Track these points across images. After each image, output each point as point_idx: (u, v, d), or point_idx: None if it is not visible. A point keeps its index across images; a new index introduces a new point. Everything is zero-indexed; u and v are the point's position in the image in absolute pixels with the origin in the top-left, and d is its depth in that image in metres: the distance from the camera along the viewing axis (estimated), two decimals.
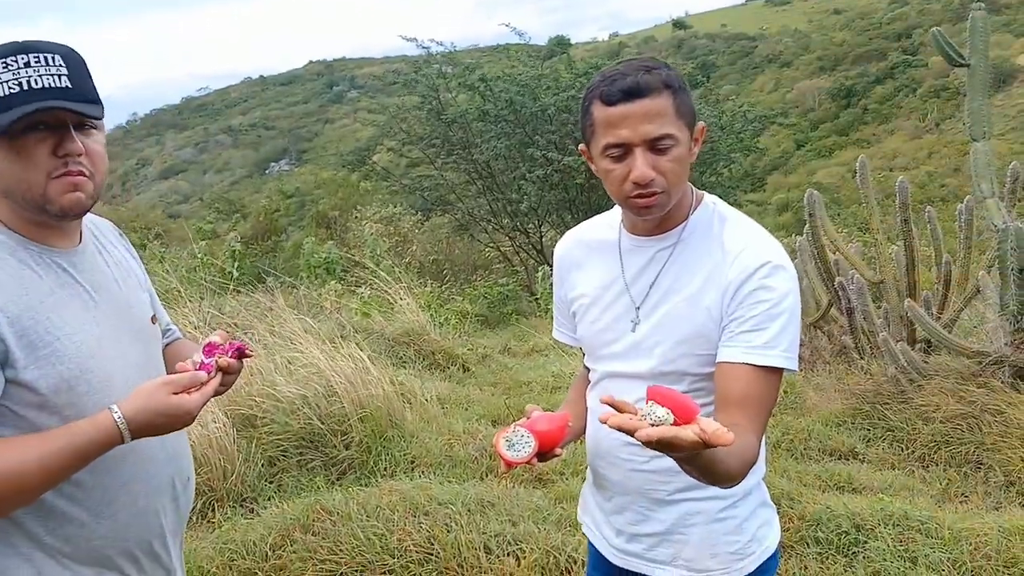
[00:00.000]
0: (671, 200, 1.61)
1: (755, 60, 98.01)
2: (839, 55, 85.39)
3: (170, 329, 2.03)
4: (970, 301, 6.62)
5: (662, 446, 1.19)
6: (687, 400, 1.24)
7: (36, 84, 1.47)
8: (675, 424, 1.20)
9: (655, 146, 1.55)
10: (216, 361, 1.61)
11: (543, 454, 1.62)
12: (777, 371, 1.58)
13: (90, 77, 1.55)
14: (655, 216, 1.64)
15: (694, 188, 1.73)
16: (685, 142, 1.58)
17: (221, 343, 1.65)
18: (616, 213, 1.80)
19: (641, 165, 1.55)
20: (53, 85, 1.48)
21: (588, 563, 2.00)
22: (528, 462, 1.58)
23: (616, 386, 1.74)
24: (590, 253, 1.83)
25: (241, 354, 1.66)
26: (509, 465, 1.58)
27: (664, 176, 1.56)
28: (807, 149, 67.42)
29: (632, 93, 1.54)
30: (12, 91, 1.46)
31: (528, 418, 1.65)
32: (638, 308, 1.70)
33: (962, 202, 6.56)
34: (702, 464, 1.34)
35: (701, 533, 1.72)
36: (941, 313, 6.44)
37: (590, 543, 1.96)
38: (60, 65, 1.50)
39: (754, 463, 1.52)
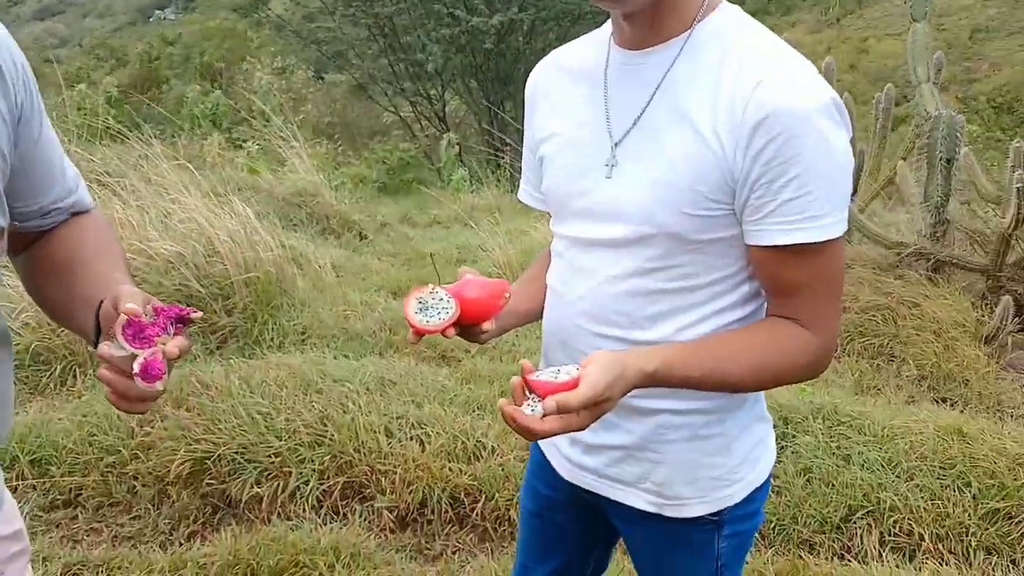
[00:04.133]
0: None
1: None
2: None
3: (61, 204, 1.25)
4: (883, 190, 6.49)
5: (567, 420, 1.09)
6: (565, 384, 1.10)
7: None
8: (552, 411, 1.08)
9: None
10: (161, 349, 1.00)
11: (468, 326, 1.26)
12: (834, 239, 1.18)
13: None
14: (612, 5, 1.19)
15: None
16: None
17: (145, 317, 1.02)
18: (607, 27, 1.33)
19: None
20: None
21: (528, 469, 1.62)
22: (442, 331, 1.22)
23: (585, 258, 1.32)
24: (570, 80, 1.37)
25: (183, 321, 1.06)
26: (417, 333, 1.22)
27: None
28: None
29: None
30: None
31: (458, 280, 1.27)
32: (616, 145, 1.26)
33: (882, 92, 6.34)
34: (683, 387, 1.22)
35: (679, 451, 1.34)
36: (851, 202, 6.28)
37: (534, 447, 1.58)
38: None
39: (811, 356, 1.24)
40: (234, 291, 4.28)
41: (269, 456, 2.94)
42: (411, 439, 3.05)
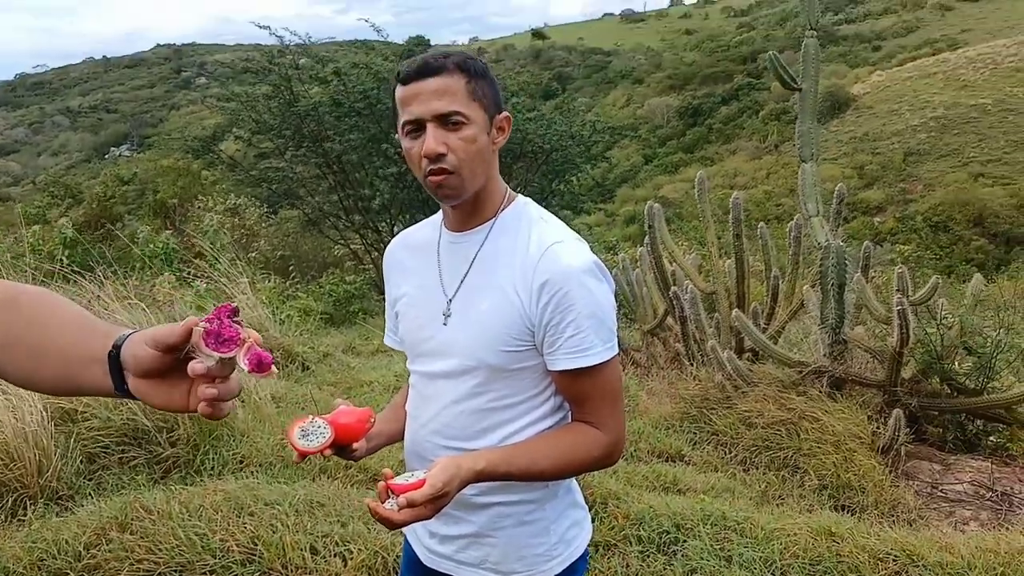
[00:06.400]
0: (465, 182, 1.62)
1: (609, 75, 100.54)
2: (688, 75, 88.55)
3: None
4: (796, 314, 6.99)
5: (416, 511, 1.47)
6: (413, 484, 1.48)
7: None
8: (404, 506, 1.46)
9: (446, 122, 1.59)
10: (253, 342, 1.07)
11: (342, 448, 1.67)
12: (606, 361, 1.63)
13: None
14: (452, 198, 1.65)
15: (510, 189, 1.76)
16: (479, 124, 1.62)
17: (211, 326, 1.06)
18: (440, 214, 1.81)
19: (429, 139, 1.59)
20: None
21: (402, 563, 1.99)
22: (320, 452, 1.61)
23: (431, 388, 1.75)
24: (413, 253, 1.85)
25: (234, 313, 1.10)
26: (301, 454, 1.61)
27: (454, 153, 1.59)
28: (655, 164, 69.51)
29: (423, 71, 1.60)
30: None
31: (333, 410, 1.68)
32: (450, 301, 1.71)
33: (792, 220, 6.93)
34: (506, 480, 1.61)
35: (509, 535, 1.73)
36: (768, 324, 6.76)
37: (406, 541, 1.95)
38: None
39: (603, 449, 1.66)
40: (178, 424, 4.57)
41: (204, 573, 3.21)
42: (335, 556, 3.33)
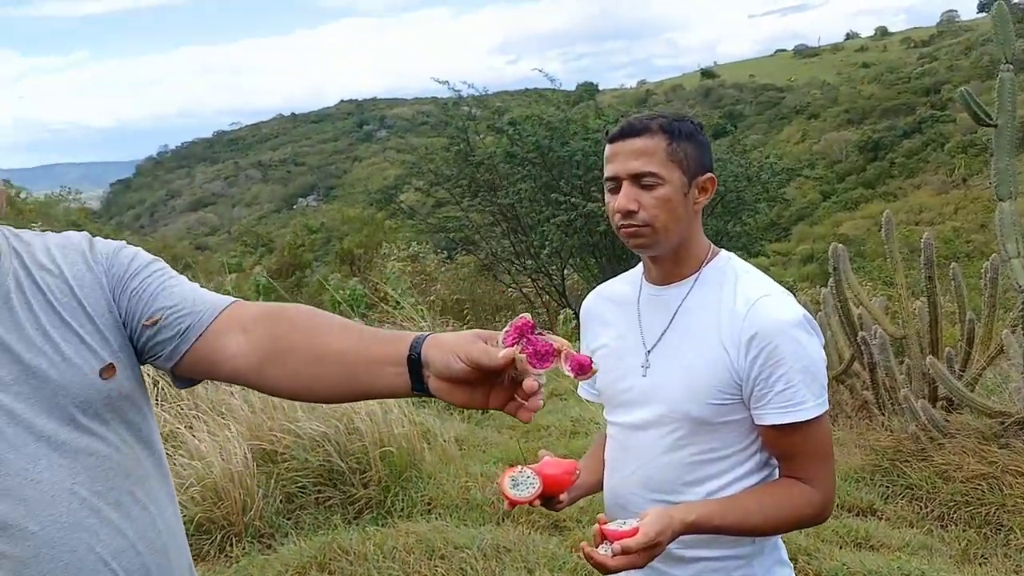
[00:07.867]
0: (659, 237, 1.68)
1: (782, 111, 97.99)
2: (867, 108, 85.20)
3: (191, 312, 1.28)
4: (993, 360, 6.59)
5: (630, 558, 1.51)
6: (627, 531, 1.52)
7: None
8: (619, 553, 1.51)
9: (640, 182, 1.66)
10: (567, 350, 1.14)
11: (548, 498, 1.69)
12: (817, 417, 1.63)
13: None
14: (644, 250, 1.72)
15: (712, 244, 1.79)
16: (676, 185, 1.66)
17: (528, 348, 1.12)
18: (639, 268, 1.86)
19: (621, 196, 1.67)
20: None
21: None
22: (530, 502, 1.65)
23: (632, 440, 1.79)
24: (611, 306, 1.90)
25: (532, 326, 1.15)
26: (512, 503, 1.65)
27: (645, 211, 1.65)
28: (833, 200, 67.10)
29: (626, 132, 1.68)
30: None
31: (539, 461, 1.72)
32: (648, 352, 1.76)
33: (987, 260, 6.56)
34: (716, 533, 1.63)
35: None
36: (964, 371, 6.40)
37: None
38: None
39: (815, 507, 1.66)
40: (370, 465, 4.79)
41: None
42: None
